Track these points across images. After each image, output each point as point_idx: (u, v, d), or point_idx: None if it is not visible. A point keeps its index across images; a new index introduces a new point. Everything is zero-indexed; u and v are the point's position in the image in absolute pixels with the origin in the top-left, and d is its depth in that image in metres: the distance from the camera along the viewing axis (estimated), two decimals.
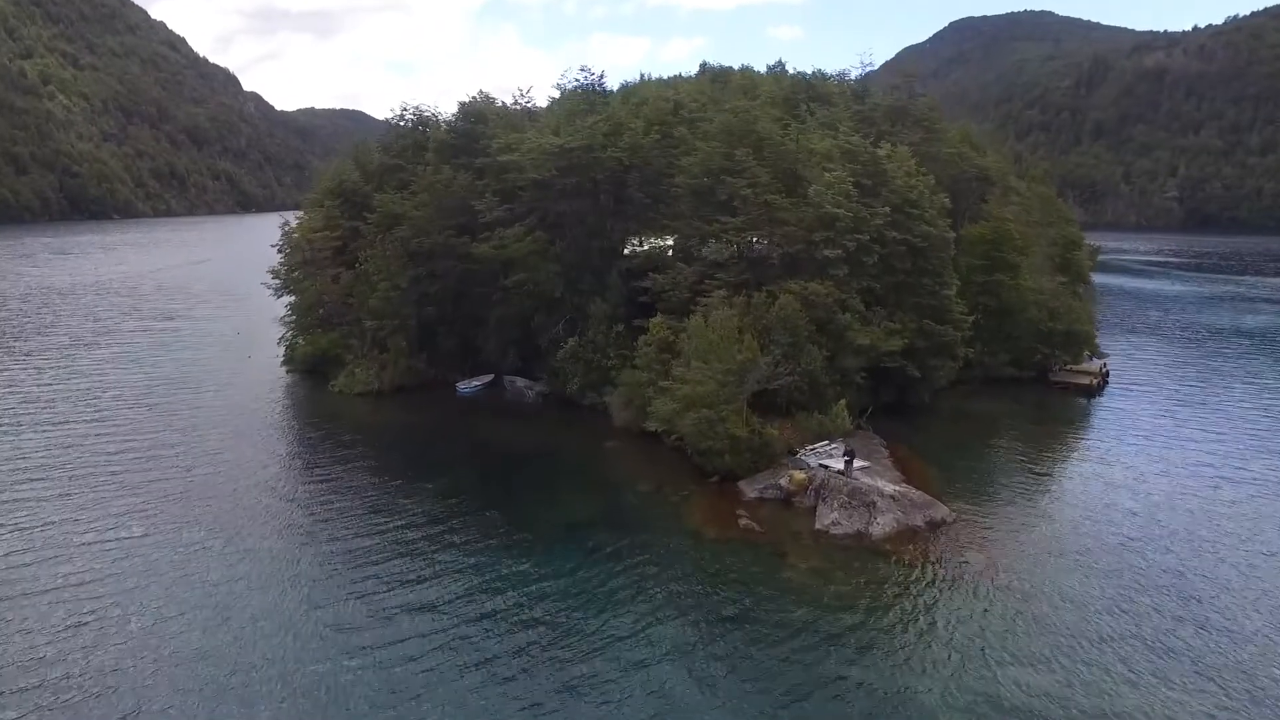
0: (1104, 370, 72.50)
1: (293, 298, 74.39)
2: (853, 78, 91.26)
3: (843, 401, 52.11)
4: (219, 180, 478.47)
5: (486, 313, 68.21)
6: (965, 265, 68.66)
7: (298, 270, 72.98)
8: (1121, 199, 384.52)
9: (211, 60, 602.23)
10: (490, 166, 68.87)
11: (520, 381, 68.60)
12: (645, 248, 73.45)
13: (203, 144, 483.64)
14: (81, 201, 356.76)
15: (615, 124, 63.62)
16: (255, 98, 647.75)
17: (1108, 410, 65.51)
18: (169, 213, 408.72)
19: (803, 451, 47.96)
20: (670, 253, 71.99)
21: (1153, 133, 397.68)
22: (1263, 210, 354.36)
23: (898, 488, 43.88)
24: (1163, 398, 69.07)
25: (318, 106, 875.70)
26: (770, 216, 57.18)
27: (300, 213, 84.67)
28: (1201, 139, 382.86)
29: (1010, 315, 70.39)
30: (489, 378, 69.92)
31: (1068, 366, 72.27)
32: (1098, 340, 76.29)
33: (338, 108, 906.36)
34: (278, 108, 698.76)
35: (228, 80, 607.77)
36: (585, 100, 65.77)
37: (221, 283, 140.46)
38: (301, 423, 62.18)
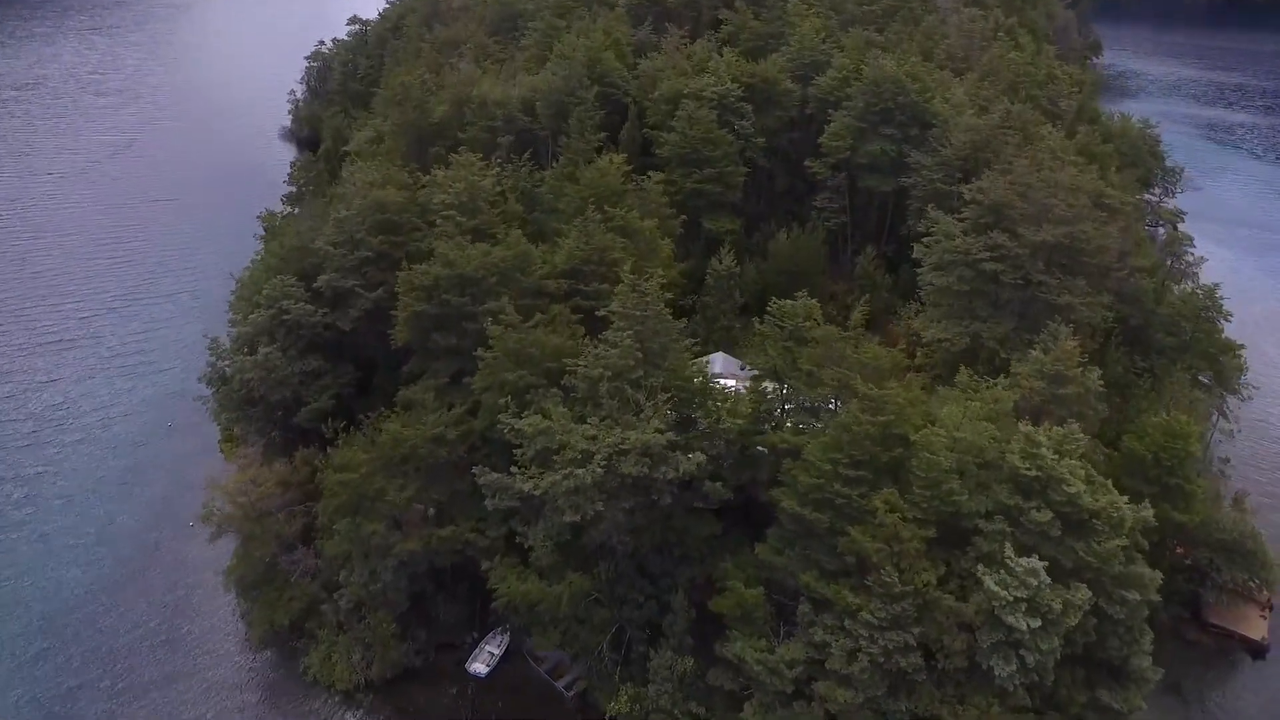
0: (1269, 603, 58.25)
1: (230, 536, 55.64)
2: None
3: None
4: None
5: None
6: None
7: (231, 522, 53.66)
8: None
9: None
10: None
11: (547, 656, 53.39)
12: None
13: None
14: None
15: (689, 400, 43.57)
16: None
17: None
18: None
19: None
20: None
21: None
22: None
23: None
24: None
25: None
26: (922, 603, 39.77)
27: None
28: None
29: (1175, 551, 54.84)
30: (503, 639, 54.39)
31: (1224, 597, 57.86)
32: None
33: None
34: None
35: None
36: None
37: (162, 249, 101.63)
38: None
